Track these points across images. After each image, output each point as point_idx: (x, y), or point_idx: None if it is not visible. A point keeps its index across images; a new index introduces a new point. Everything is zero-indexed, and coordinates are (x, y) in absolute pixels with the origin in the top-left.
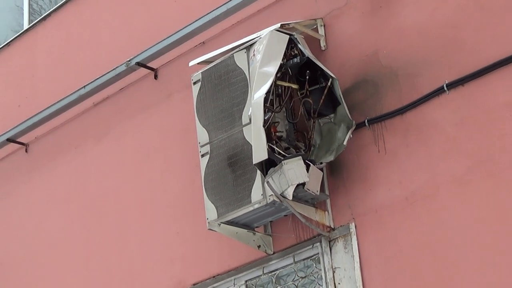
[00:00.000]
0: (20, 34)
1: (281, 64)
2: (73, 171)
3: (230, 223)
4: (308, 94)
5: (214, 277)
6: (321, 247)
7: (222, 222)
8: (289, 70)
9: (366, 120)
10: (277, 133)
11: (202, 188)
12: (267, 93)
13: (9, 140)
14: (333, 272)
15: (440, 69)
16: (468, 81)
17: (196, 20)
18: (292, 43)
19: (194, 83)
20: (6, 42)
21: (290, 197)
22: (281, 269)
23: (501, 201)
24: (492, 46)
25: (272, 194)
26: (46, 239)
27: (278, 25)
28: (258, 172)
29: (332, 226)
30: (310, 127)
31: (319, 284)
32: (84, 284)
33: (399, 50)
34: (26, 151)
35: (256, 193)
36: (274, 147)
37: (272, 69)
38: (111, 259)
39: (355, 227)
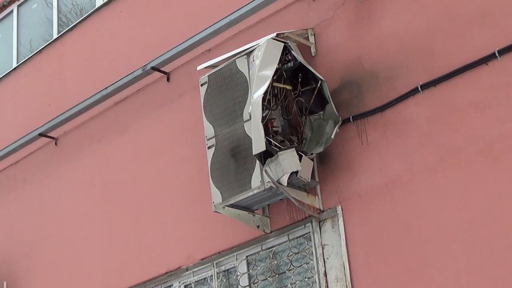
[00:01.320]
0: (50, 42)
1: (277, 68)
2: (96, 161)
3: (233, 206)
4: (300, 94)
5: (219, 252)
6: (312, 227)
7: (226, 205)
8: (284, 73)
9: (350, 117)
10: (273, 128)
11: (208, 176)
12: (265, 93)
13: (41, 134)
14: (323, 248)
15: (415, 72)
16: (439, 82)
17: (203, 30)
18: (286, 50)
19: (202, 84)
20: (38, 50)
21: (285, 184)
22: (277, 246)
23: (468, 187)
24: (459, 52)
25: (269, 181)
26: (73, 220)
27: (274, 34)
28: (257, 161)
29: (322, 209)
30: (302, 123)
31: (310, 259)
32: (106, 258)
33: (379, 56)
34: (55, 144)
35: (256, 180)
36: (271, 140)
37: (269, 72)
38: (129, 236)
39: (342, 209)
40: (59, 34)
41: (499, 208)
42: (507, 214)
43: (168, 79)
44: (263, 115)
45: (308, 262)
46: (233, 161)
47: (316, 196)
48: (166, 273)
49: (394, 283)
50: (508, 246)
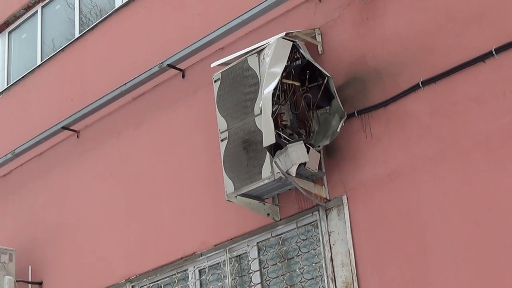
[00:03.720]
0: (72, 41)
1: (286, 65)
2: (116, 153)
3: (244, 195)
4: (308, 90)
5: (231, 239)
6: (319, 215)
7: (238, 195)
8: (293, 70)
9: (355, 111)
10: (283, 122)
11: (221, 167)
12: (275, 89)
13: (64, 128)
14: (329, 235)
15: (416, 69)
16: (439, 79)
17: (216, 30)
18: (295, 48)
19: (215, 81)
20: (61, 48)
21: (294, 174)
22: (286, 233)
23: (466, 177)
24: (458, 50)
25: (279, 172)
26: (94, 208)
27: (283, 33)
28: (267, 153)
29: (328, 198)
30: (309, 117)
31: (317, 245)
32: (125, 244)
33: (382, 54)
34: (77, 137)
35: (266, 170)
36: (281, 133)
37: (279, 69)
38: (147, 224)
39: (347, 198)
40: (81, 34)
41: (496, 197)
42: (503, 202)
43: (183, 76)
44: (273, 109)
45: (315, 248)
46: (245, 153)
47: (323, 186)
48: (182, 258)
49: (396, 268)
50: (505, 233)
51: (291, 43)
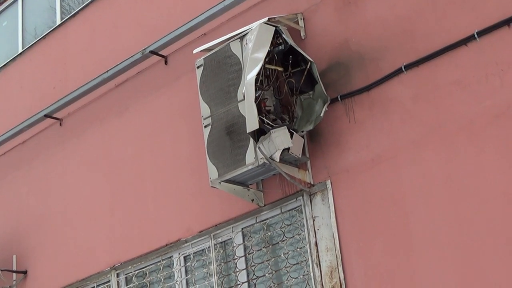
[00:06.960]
0: (54, 29)
1: (268, 50)
2: (99, 140)
3: (228, 181)
4: (291, 75)
5: (216, 225)
6: (303, 200)
7: (222, 181)
8: (275, 56)
9: (338, 96)
10: (266, 107)
11: (205, 153)
12: (258, 74)
13: (46, 115)
14: (313, 220)
15: (399, 53)
16: (422, 63)
17: (199, 16)
18: (277, 34)
19: (198, 67)
20: (42, 36)
21: (278, 160)
22: (271, 219)
23: (449, 161)
24: (440, 34)
25: (262, 157)
26: (78, 195)
27: (266, 19)
28: (251, 139)
29: (312, 183)
30: (293, 102)
31: (301, 230)
32: (109, 231)
33: (365, 39)
34: (60, 124)
35: (250, 156)
36: (264, 118)
37: (262, 55)
38: (131, 211)
39: (331, 183)
40: (62, 21)
41: (479, 180)
42: (486, 185)
43: (166, 62)
44: (256, 95)
45: (300, 233)
46: (228, 139)
47: (307, 171)
48: (167, 245)
49: (380, 252)
50: (488, 216)
51: (274, 28)
